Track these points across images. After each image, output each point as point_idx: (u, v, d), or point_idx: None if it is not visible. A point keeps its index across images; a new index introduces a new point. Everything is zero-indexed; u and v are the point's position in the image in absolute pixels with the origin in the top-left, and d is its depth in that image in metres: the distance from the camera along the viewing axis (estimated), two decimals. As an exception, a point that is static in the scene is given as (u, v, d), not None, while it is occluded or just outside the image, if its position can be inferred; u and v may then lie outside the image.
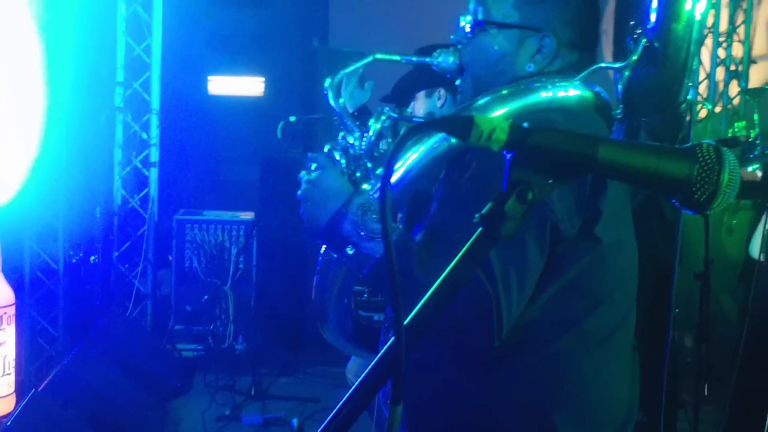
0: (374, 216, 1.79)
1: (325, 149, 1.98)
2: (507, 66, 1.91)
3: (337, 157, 1.97)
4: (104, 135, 6.74)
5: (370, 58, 2.05)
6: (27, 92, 5.47)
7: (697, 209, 1.26)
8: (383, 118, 1.97)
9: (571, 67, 1.92)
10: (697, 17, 1.96)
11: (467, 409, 1.82)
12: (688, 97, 2.12)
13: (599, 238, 1.77)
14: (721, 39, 7.76)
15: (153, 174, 6.78)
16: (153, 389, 5.46)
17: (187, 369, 6.19)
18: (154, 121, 6.78)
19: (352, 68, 2.04)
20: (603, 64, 1.96)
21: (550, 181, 1.24)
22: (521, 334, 1.74)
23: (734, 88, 7.62)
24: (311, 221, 1.86)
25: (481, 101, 1.84)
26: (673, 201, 1.27)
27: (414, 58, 2.10)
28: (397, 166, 1.86)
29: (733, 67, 7.70)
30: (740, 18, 7.77)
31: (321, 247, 2.01)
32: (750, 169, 4.29)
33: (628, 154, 1.26)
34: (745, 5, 7.72)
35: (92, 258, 6.51)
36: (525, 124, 1.23)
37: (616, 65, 1.98)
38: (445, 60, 1.99)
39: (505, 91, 1.84)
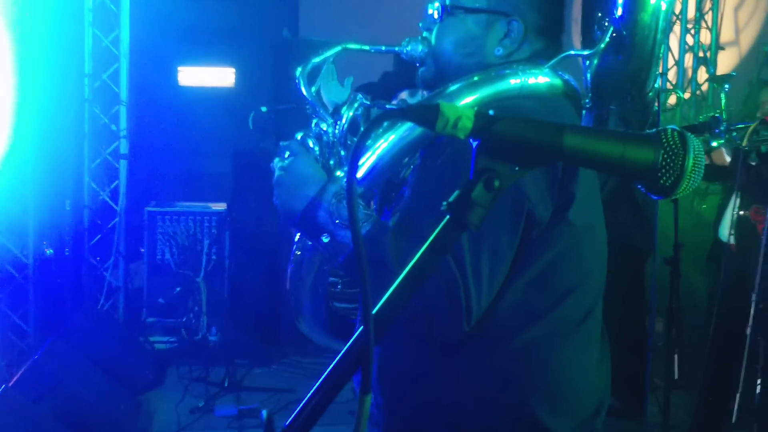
0: None
1: (298, 137, 1.98)
2: (476, 48, 1.92)
3: (311, 145, 1.96)
4: (73, 127, 6.68)
5: (339, 48, 2.05)
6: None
7: (663, 194, 1.27)
8: (356, 105, 1.97)
9: (540, 54, 1.93)
10: (663, 6, 1.97)
11: (442, 397, 1.82)
12: (656, 85, 2.14)
13: (572, 222, 1.78)
14: (689, 26, 7.81)
15: (123, 166, 6.73)
16: (126, 382, 5.44)
17: (160, 361, 6.16)
18: (123, 113, 6.74)
19: (322, 56, 2.04)
20: (572, 52, 1.97)
21: (517, 169, 1.25)
22: (494, 322, 1.75)
23: (703, 75, 7.68)
24: (285, 208, 1.85)
25: (453, 87, 1.85)
26: (639, 186, 1.28)
27: (383, 48, 2.10)
28: (367, 155, 1.86)
29: (701, 54, 7.76)
30: (707, 5, 7.83)
31: (295, 236, 2.01)
32: (714, 144, 4.32)
33: (594, 141, 1.27)
34: (712, -8, 7.79)
35: (66, 251, 6.46)
36: (491, 112, 1.24)
37: (585, 53, 1.99)
38: (414, 48, 1.99)
39: (476, 78, 1.85)
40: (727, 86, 5.36)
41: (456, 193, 1.23)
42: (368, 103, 2.01)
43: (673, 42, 7.85)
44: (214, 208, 6.74)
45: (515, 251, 1.73)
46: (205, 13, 8.34)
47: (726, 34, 7.80)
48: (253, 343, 6.31)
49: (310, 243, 1.91)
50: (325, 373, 1.24)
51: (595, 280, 1.89)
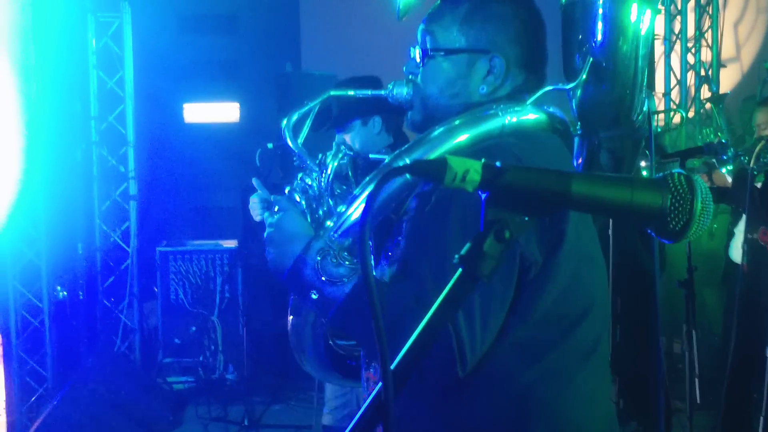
0: (334, 260, 1.81)
1: (286, 190, 2.00)
2: (460, 89, 1.91)
3: (297, 199, 1.98)
4: (81, 170, 6.72)
5: (324, 96, 2.08)
6: (2, 131, 5.45)
7: (673, 238, 1.28)
8: (340, 155, 1.99)
9: (522, 88, 1.93)
10: (643, 32, 1.98)
11: None
12: (644, 108, 2.14)
13: (568, 257, 1.77)
14: (690, 44, 7.83)
15: (133, 207, 6.77)
16: (145, 425, 5.44)
17: (178, 402, 6.16)
18: (131, 154, 6.78)
19: (307, 107, 2.06)
20: (551, 87, 1.98)
21: (526, 219, 1.26)
22: (494, 363, 1.73)
23: (706, 93, 7.68)
24: (275, 265, 1.89)
25: (436, 132, 1.85)
26: (649, 231, 1.29)
27: (369, 92, 2.11)
28: (352, 207, 1.86)
29: (703, 72, 7.76)
30: (707, 23, 7.84)
31: None
32: (723, 170, 4.33)
33: (601, 188, 1.28)
34: (710, 10, 7.80)
35: (80, 294, 6.48)
36: (497, 164, 1.25)
37: (567, 87, 2.01)
38: (400, 92, 2.00)
39: (457, 122, 1.85)
40: (721, 105, 5.38)
41: (467, 245, 1.24)
42: (351, 153, 2.04)
43: (675, 61, 7.87)
44: (225, 245, 6.75)
45: (513, 293, 1.72)
46: (207, 49, 8.42)
47: (727, 51, 7.81)
48: (271, 380, 6.30)
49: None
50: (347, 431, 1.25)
51: (599, 309, 1.89)
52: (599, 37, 1.96)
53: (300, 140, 2.03)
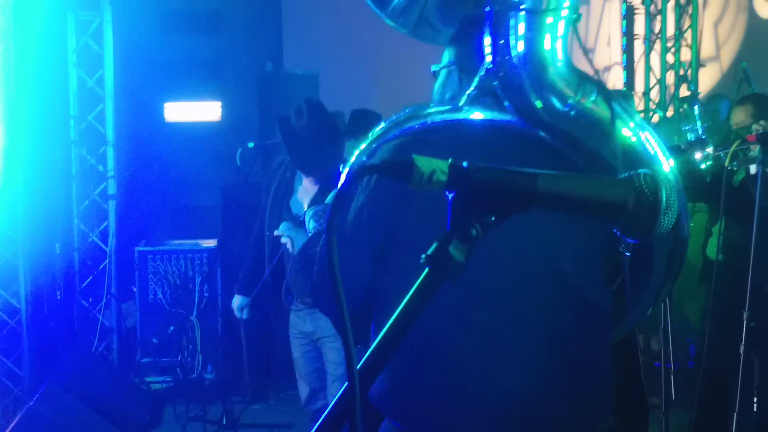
0: None
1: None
2: (439, 97, 2.22)
3: None
4: (60, 169, 6.68)
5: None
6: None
7: (639, 236, 1.29)
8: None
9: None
10: (560, 32, 2.00)
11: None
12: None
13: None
14: (669, 44, 7.87)
15: (111, 206, 6.74)
16: (123, 425, 5.41)
17: (156, 402, 6.14)
18: (110, 154, 6.75)
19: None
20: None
21: (492, 218, 1.27)
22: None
23: (685, 92, 7.72)
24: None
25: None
26: (615, 231, 1.30)
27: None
28: None
29: (682, 72, 7.81)
30: (687, 23, 7.88)
31: None
32: (703, 166, 4.34)
33: (566, 185, 1.29)
34: (690, 10, 7.84)
35: (57, 294, 6.44)
36: (464, 164, 1.25)
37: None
38: None
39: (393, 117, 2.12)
40: (696, 104, 5.42)
41: (434, 245, 1.25)
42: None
43: (654, 60, 7.91)
44: (204, 245, 6.72)
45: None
46: (188, 48, 8.39)
47: (707, 50, 7.86)
48: (249, 379, 6.29)
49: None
50: (314, 429, 1.25)
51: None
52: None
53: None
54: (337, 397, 1.26)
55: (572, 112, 2.00)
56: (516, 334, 1.95)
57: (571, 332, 1.98)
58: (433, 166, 1.24)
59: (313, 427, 1.27)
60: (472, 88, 2.06)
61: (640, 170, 1.28)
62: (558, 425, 2.00)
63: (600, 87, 2.03)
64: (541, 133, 1.99)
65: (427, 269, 1.25)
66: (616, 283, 2.14)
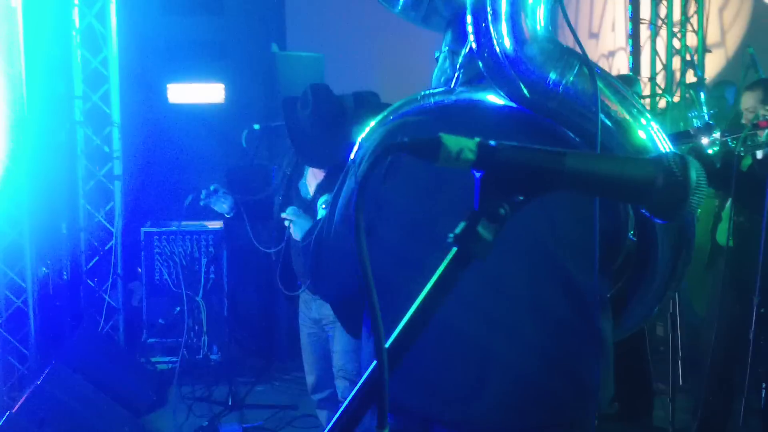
0: None
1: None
2: (440, 80, 2.34)
3: None
4: (66, 150, 6.67)
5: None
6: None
7: (668, 216, 1.28)
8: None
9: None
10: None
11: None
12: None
13: None
14: (675, 29, 7.84)
15: (117, 187, 6.73)
16: (128, 404, 5.43)
17: (161, 382, 6.15)
18: (116, 134, 6.74)
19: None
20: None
21: (521, 198, 1.26)
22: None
23: (691, 78, 7.70)
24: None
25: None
26: (643, 211, 1.29)
27: None
28: None
29: (688, 57, 7.78)
30: (693, 8, 7.85)
31: None
32: (710, 151, 4.33)
33: (594, 163, 1.28)
34: (696, -5, 7.82)
35: (64, 274, 6.45)
36: (492, 143, 1.24)
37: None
38: None
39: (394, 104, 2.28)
40: (702, 90, 5.40)
41: (461, 224, 1.24)
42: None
43: (660, 46, 7.88)
44: (210, 226, 6.72)
45: None
46: (192, 29, 8.33)
47: (712, 36, 7.83)
48: (255, 361, 6.30)
49: None
50: (338, 411, 1.25)
51: None
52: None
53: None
54: (364, 378, 1.25)
55: (559, 89, 2.01)
56: (517, 319, 1.98)
57: (568, 318, 2.02)
58: (461, 144, 1.22)
59: (337, 412, 1.26)
60: (457, 69, 2.20)
61: (668, 151, 1.27)
62: (562, 410, 2.02)
63: (582, 59, 2.02)
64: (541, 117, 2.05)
65: (454, 249, 1.24)
66: (621, 280, 2.17)
